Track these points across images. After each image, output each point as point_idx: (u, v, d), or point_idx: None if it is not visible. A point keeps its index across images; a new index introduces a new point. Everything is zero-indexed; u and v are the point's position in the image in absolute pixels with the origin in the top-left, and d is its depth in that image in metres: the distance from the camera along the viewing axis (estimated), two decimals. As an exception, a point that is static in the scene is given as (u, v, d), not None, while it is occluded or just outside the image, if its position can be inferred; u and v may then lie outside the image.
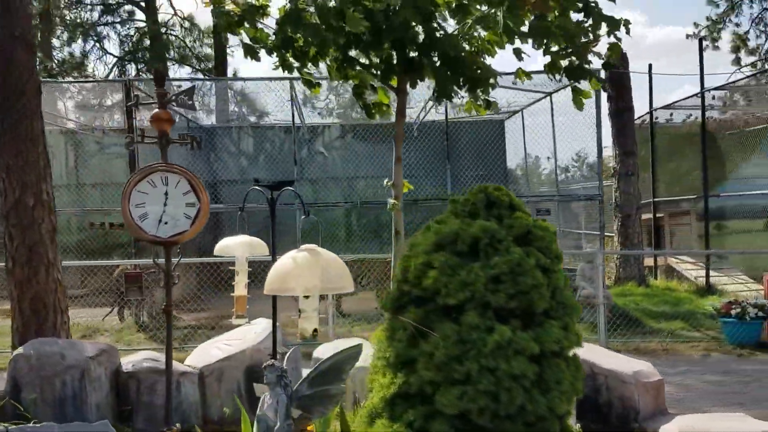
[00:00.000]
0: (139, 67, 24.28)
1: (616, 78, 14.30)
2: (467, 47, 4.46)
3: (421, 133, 15.59)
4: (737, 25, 24.37)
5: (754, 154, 17.76)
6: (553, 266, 2.92)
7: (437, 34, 4.44)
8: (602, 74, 10.16)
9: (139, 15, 24.85)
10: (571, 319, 2.91)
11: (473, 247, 2.93)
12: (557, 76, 4.69)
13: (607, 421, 4.88)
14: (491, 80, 4.54)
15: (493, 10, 4.29)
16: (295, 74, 4.99)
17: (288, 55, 4.66)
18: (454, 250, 2.95)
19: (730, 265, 15.69)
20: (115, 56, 25.17)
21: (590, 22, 4.34)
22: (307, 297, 5.54)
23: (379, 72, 4.68)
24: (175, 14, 24.49)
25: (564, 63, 4.79)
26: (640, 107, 16.11)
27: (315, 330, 6.18)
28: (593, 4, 4.19)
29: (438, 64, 4.40)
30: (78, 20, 24.30)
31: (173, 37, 24.25)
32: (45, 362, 5.14)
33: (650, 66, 16.41)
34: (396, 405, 3.04)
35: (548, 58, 4.73)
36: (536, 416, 2.74)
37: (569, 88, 4.99)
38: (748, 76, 15.80)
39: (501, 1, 4.19)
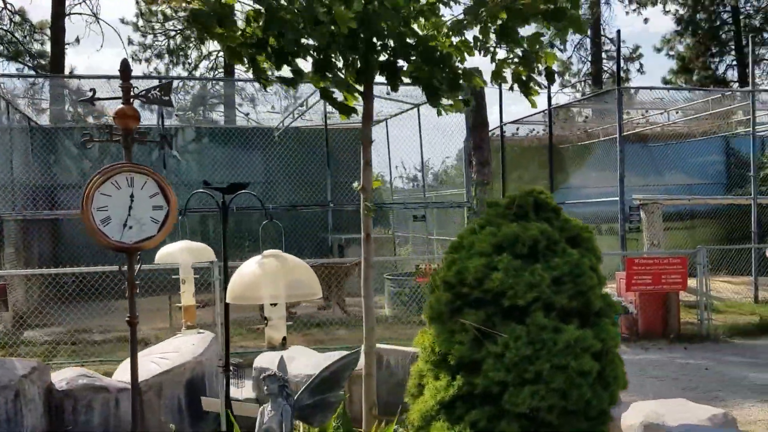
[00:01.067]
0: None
1: (476, 93, 15.08)
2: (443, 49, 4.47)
3: (297, 138, 15.50)
4: (561, 50, 26.62)
5: (583, 166, 19.58)
6: (598, 267, 3.06)
7: (413, 38, 4.42)
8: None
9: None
10: (614, 317, 3.06)
11: (532, 249, 2.99)
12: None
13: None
14: (475, 76, 4.59)
15: (464, 18, 4.36)
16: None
17: (260, 58, 4.42)
18: (513, 252, 2.99)
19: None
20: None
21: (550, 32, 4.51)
22: (273, 305, 5.32)
23: (354, 74, 4.57)
24: (5, 8, 22.14)
25: (507, 71, 4.94)
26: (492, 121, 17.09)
27: (284, 338, 5.96)
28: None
29: (420, 64, 4.37)
30: None
31: (2, 31, 21.90)
32: None
33: (500, 84, 17.44)
34: (456, 407, 3.02)
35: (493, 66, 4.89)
36: (598, 411, 2.85)
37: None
38: (586, 98, 17.34)
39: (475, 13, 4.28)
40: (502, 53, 4.90)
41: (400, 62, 4.54)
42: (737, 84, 25.65)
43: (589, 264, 3.00)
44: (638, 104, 15.75)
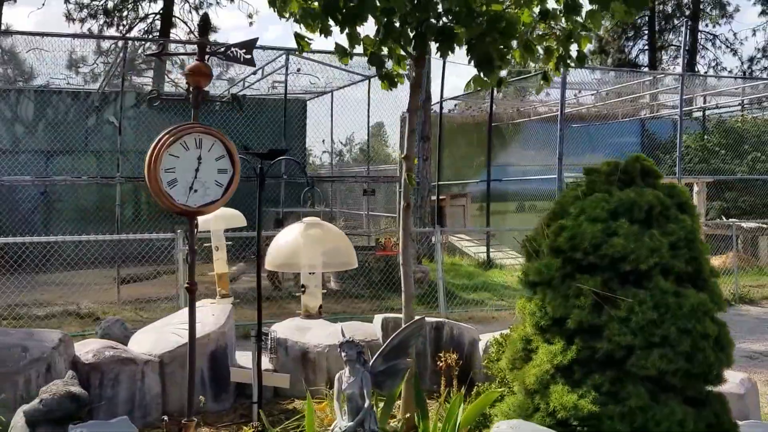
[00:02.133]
0: None
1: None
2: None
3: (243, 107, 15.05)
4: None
5: (512, 145, 20.15)
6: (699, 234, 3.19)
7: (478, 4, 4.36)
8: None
9: None
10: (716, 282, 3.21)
11: (647, 215, 3.08)
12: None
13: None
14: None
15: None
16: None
17: (327, 22, 4.28)
18: (630, 218, 3.07)
19: (498, 242, 17.61)
20: None
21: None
22: (311, 273, 5.20)
23: (410, 40, 4.49)
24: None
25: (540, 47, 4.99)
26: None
27: (320, 306, 5.81)
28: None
29: (482, 30, 4.31)
30: None
31: None
32: (5, 357, 4.12)
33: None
34: (573, 371, 3.07)
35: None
36: (716, 373, 3.00)
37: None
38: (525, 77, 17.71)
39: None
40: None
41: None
42: (647, 68, 27.07)
43: (698, 230, 3.13)
44: (576, 84, 16.30)
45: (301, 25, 4.32)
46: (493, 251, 17.14)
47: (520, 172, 18.73)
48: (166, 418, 4.27)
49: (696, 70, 27.70)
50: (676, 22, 26.90)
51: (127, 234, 11.15)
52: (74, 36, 15.87)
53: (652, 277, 3.00)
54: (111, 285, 11.89)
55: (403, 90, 5.40)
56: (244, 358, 5.25)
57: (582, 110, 19.13)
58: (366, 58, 4.75)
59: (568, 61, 4.87)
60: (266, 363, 5.57)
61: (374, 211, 16.91)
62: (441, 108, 17.37)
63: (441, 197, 18.14)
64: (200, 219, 5.96)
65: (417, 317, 4.14)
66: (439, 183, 17.75)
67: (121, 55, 13.96)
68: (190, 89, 3.96)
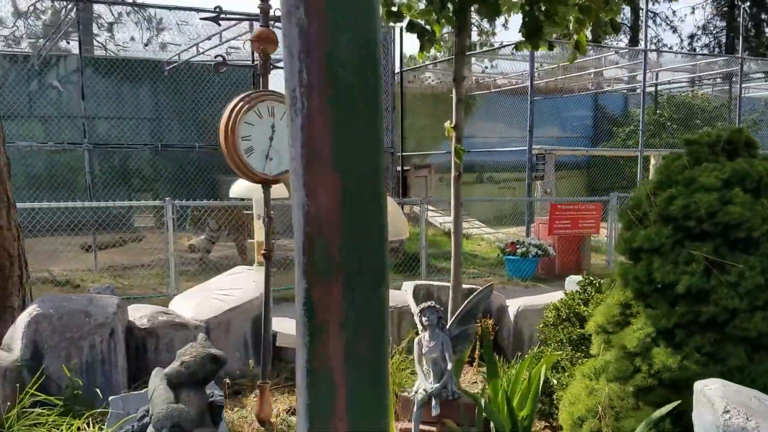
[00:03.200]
0: None
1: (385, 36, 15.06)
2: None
3: (191, 74, 14.62)
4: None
5: (470, 116, 20.33)
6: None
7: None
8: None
9: None
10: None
11: (757, 184, 3.23)
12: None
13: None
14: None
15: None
16: None
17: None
18: (742, 187, 3.21)
19: (464, 212, 17.85)
20: None
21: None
22: None
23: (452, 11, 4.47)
24: None
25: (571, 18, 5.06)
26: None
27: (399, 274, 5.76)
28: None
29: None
30: None
31: None
32: (69, 322, 3.99)
33: (402, 28, 17.53)
34: (675, 334, 3.20)
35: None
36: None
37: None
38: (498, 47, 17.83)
39: None
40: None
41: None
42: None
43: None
44: (539, 58, 16.54)
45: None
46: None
47: (480, 144, 18.95)
48: (228, 380, 4.28)
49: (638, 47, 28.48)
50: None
51: (98, 202, 10.81)
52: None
53: (760, 244, 3.15)
54: (77, 252, 11.49)
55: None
56: (277, 323, 5.25)
57: (540, 84, 19.46)
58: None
59: (604, 28, 4.99)
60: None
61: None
62: (401, 78, 17.34)
63: (405, 168, 18.22)
64: (241, 187, 5.86)
65: (485, 285, 4.22)
66: (404, 154, 17.82)
67: (72, 14, 13.39)
68: (257, 56, 3.87)
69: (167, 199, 8.77)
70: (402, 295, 5.93)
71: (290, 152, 0.92)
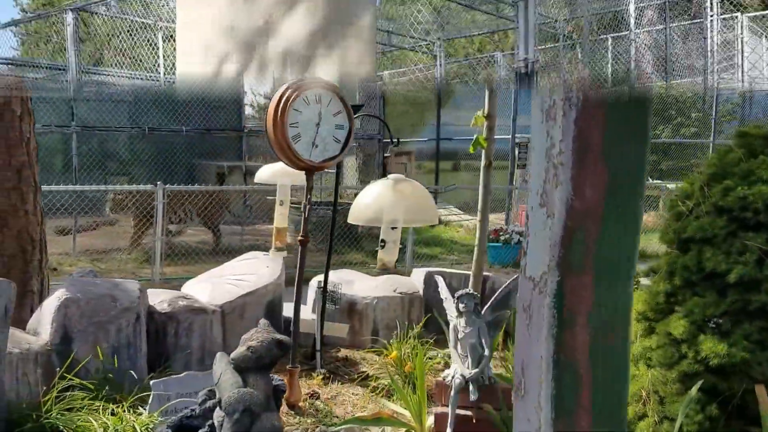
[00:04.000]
0: None
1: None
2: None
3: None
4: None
5: (446, 105, 20.39)
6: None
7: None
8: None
9: None
10: None
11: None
12: None
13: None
14: None
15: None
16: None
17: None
18: (793, 178, 3.33)
19: (442, 200, 17.97)
20: None
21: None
22: (393, 228, 5.17)
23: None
24: None
25: None
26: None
27: (396, 262, 5.78)
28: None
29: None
30: None
31: None
32: (97, 306, 3.91)
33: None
34: (723, 322, 3.32)
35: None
36: None
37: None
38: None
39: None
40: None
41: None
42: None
43: None
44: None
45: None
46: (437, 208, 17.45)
47: (462, 132, 19.01)
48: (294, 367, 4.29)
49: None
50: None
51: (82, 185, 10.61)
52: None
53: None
54: (51, 236, 11.25)
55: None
56: (288, 308, 5.25)
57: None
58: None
59: None
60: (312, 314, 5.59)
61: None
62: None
63: (386, 155, 18.23)
64: (266, 173, 5.82)
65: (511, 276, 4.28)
66: (384, 140, 17.82)
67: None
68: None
69: (158, 183, 8.67)
70: (411, 281, 5.99)
71: (559, 147, 0.94)
